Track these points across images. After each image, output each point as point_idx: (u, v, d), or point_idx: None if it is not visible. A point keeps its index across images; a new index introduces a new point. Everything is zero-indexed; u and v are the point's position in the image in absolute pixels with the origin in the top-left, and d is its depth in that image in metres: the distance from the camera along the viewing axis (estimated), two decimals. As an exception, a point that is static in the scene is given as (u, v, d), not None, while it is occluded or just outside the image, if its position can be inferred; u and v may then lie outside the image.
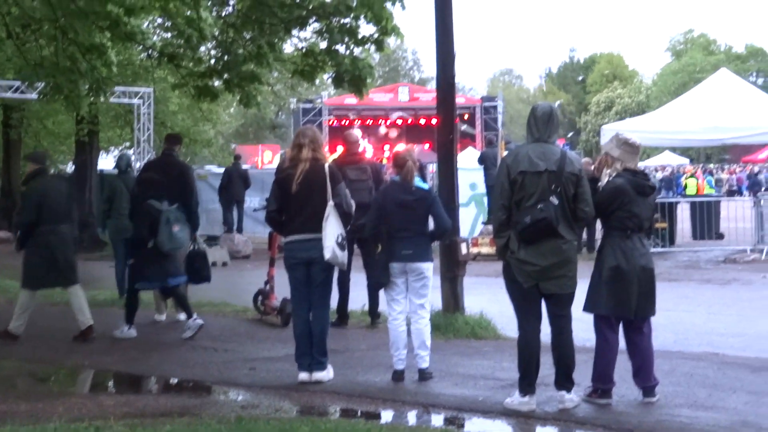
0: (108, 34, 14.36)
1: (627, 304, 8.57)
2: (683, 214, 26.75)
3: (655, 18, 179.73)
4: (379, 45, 13.66)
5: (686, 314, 14.17)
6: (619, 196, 8.63)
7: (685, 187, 47.02)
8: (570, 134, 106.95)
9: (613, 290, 8.57)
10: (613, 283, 8.55)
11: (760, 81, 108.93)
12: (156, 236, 12.66)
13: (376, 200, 10.46)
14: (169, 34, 18.25)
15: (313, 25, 14.08)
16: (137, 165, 22.55)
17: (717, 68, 40.14)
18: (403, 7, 13.05)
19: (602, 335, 8.75)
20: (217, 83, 15.71)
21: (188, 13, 14.42)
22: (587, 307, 8.77)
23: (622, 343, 8.88)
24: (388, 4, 12.99)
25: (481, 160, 25.26)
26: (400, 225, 9.86)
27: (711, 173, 61.72)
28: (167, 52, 15.71)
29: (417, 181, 10.08)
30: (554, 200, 8.20)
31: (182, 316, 13.75)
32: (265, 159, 53.51)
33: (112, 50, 15.11)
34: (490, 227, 19.74)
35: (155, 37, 22.44)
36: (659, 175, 60.98)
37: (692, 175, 53.31)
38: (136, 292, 13.32)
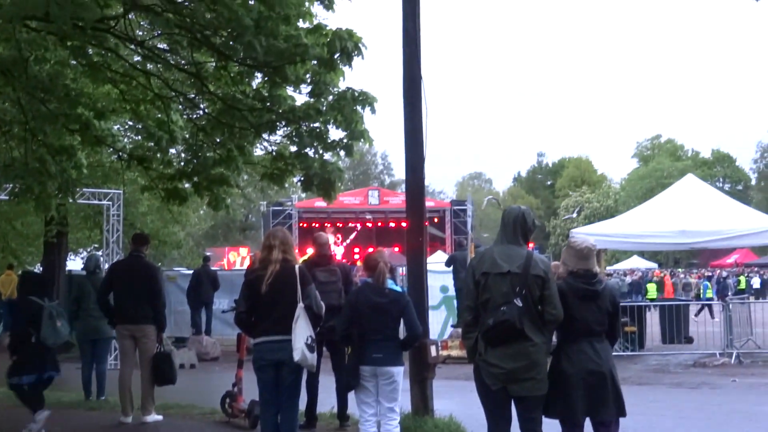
0: (78, 137, 14.41)
1: (572, 408, 8.49)
2: (652, 318, 26.83)
3: (623, 123, 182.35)
4: (349, 150, 13.73)
5: (656, 418, 14.13)
6: None
7: (646, 292, 47.20)
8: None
9: (558, 394, 8.51)
10: (558, 387, 8.48)
11: (727, 186, 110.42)
12: (39, 331, 12.71)
13: (348, 302, 10.44)
14: (139, 137, 18.34)
15: (283, 129, 14.15)
16: (106, 266, 22.45)
17: (684, 173, 40.61)
18: (373, 112, 13.16)
19: None
20: (186, 186, 15.73)
21: (159, 115, 14.52)
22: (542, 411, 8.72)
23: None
24: (358, 108, 13.09)
25: (450, 262, 25.33)
26: (372, 327, 9.83)
27: (708, 279, 61.87)
28: (137, 155, 15.77)
29: (390, 284, 10.08)
30: (518, 302, 8.18)
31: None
32: (234, 260, 53.39)
33: (82, 152, 15.15)
34: (459, 330, 19.74)
35: (125, 140, 22.53)
36: (628, 279, 61.15)
37: (650, 281, 53.73)
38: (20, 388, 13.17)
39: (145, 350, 13.91)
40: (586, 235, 22.30)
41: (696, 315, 33.77)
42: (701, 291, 52.66)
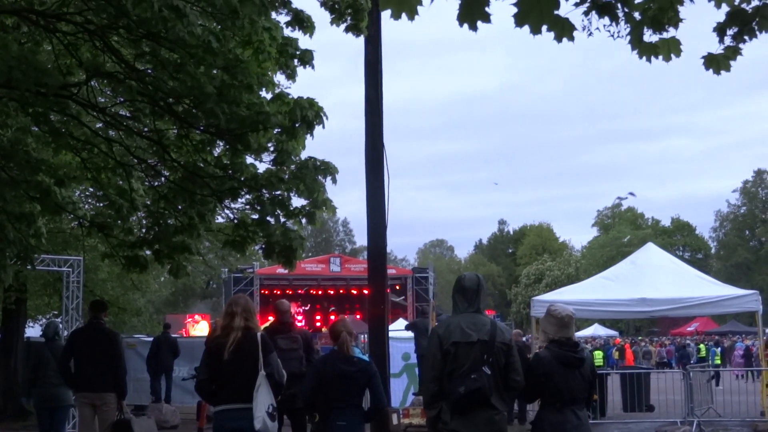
0: (38, 206, 14.37)
1: None
2: (614, 385, 26.85)
3: (584, 191, 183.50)
4: (311, 218, 13.74)
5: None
6: (539, 368, 8.61)
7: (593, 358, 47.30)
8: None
9: None
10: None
11: (687, 255, 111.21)
12: None
13: (315, 369, 10.40)
14: (100, 204, 18.27)
15: (245, 197, 14.15)
16: (65, 333, 22.26)
17: (644, 242, 40.87)
18: (334, 182, 13.21)
19: None
20: (147, 253, 15.66)
21: (120, 183, 14.49)
22: None
23: None
24: (320, 178, 13.14)
25: (411, 328, 25.23)
26: (337, 395, 9.80)
27: (717, 344, 61.83)
28: (98, 222, 15.69)
29: (356, 352, 10.07)
30: (486, 370, 8.20)
31: None
32: (195, 328, 53.06)
33: (42, 219, 15.10)
34: (420, 398, 19.66)
35: (86, 206, 22.45)
36: (589, 346, 61.27)
37: (597, 348, 53.88)
38: None
39: (104, 418, 13.75)
40: (547, 302, 22.39)
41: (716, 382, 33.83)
42: (709, 358, 52.59)
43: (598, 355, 48.10)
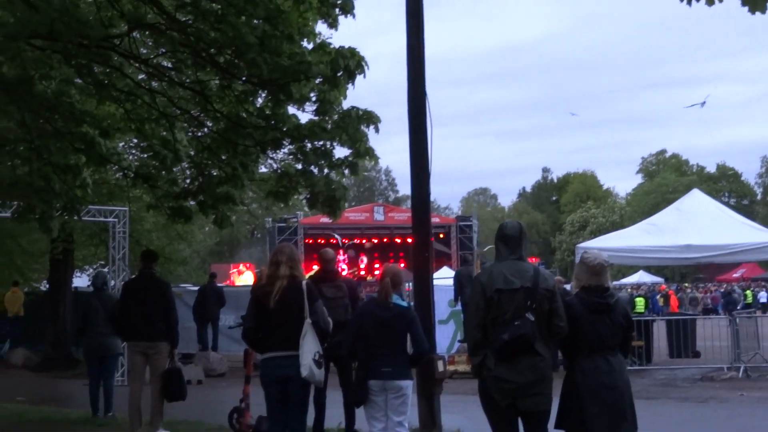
0: (83, 157, 14.45)
1: (587, 424, 8.46)
2: (660, 332, 26.75)
3: (628, 138, 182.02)
4: (354, 168, 13.73)
5: (664, 433, 14.11)
6: (567, 315, 8.59)
7: (634, 306, 46.75)
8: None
9: (572, 409, 8.47)
10: (573, 403, 8.46)
11: (732, 201, 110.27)
12: None
13: (354, 317, 10.47)
14: (144, 155, 18.36)
15: (288, 147, 14.15)
16: (112, 283, 22.48)
17: (689, 188, 40.51)
18: (377, 131, 13.18)
19: None
20: (191, 204, 15.74)
21: (164, 134, 14.54)
22: (555, 425, 8.67)
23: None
24: (363, 127, 13.11)
25: (456, 278, 25.18)
26: (378, 342, 9.84)
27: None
28: (142, 173, 15.78)
29: (395, 299, 10.07)
30: (530, 317, 8.19)
31: None
32: (239, 278, 53.35)
33: (87, 171, 15.20)
34: (466, 345, 19.68)
35: (131, 157, 22.52)
36: (630, 293, 60.94)
37: (640, 295, 53.45)
38: None
39: (156, 366, 13.93)
40: (592, 249, 22.31)
41: None
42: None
43: (640, 302, 47.63)
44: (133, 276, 18.76)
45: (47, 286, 34.38)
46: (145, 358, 14.00)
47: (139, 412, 13.94)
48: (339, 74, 12.07)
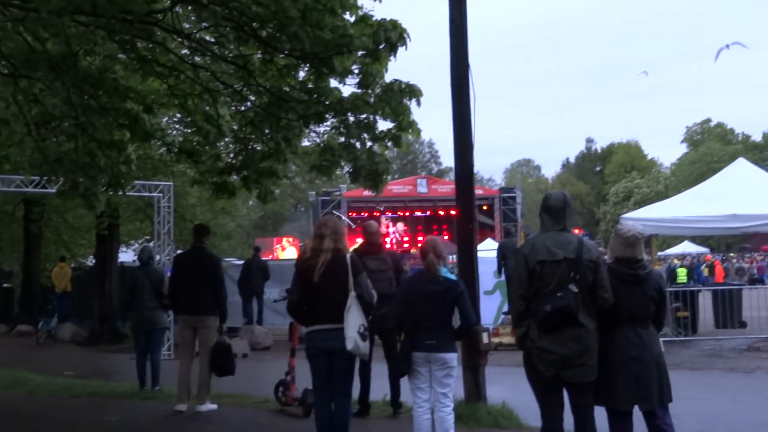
0: (127, 133, 14.53)
1: (616, 396, 8.45)
2: (705, 303, 26.60)
3: (672, 107, 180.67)
4: (397, 141, 13.70)
5: (710, 403, 14.06)
6: None
7: (675, 276, 46.37)
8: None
9: (603, 381, 8.45)
10: (603, 374, 8.43)
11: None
12: None
13: (402, 289, 10.46)
14: (188, 130, 18.43)
15: (331, 121, 14.14)
16: (158, 257, 22.64)
17: (735, 158, 40.10)
18: (419, 105, 13.12)
19: (612, 428, 8.63)
20: (235, 179, 15.78)
21: (206, 109, 14.58)
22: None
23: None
24: (405, 100, 13.06)
25: (500, 250, 25.13)
26: (425, 315, 9.84)
27: None
28: (186, 148, 15.85)
29: (443, 272, 10.06)
30: (573, 288, 8.18)
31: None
32: (282, 253, 53.60)
33: (131, 146, 15.28)
34: (510, 317, 19.69)
35: (174, 132, 22.63)
36: (677, 263, 60.66)
37: (682, 266, 53.12)
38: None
39: (205, 340, 14.06)
40: (636, 220, 22.19)
41: None
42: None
43: (682, 272, 47.46)
44: (183, 250, 18.87)
45: (93, 261, 34.70)
46: (194, 332, 14.13)
47: (187, 385, 14.08)
48: (381, 47, 12.03)
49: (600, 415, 8.57)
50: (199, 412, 13.78)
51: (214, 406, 14.05)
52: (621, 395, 8.41)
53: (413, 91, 12.89)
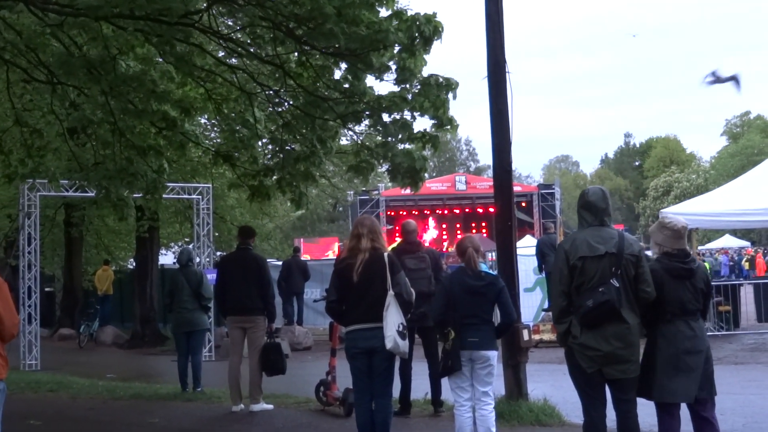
0: (161, 140, 14.58)
1: (670, 389, 8.39)
2: (747, 297, 26.39)
3: (711, 100, 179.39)
4: (434, 141, 13.63)
5: (755, 398, 13.93)
6: None
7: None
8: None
9: (654, 375, 8.41)
10: (654, 368, 8.38)
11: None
12: None
13: (443, 286, 10.40)
14: (224, 133, 18.46)
15: (368, 120, 14.10)
16: (197, 259, 22.73)
17: (776, 150, 39.76)
18: (455, 97, 13.05)
19: (661, 422, 8.58)
20: (272, 179, 15.78)
21: (242, 112, 14.59)
22: (638, 393, 8.59)
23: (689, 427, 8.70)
24: (443, 94, 13.00)
25: (539, 247, 25.00)
26: (467, 312, 9.79)
27: None
28: (222, 152, 15.89)
29: (483, 268, 10.03)
30: (615, 283, 8.11)
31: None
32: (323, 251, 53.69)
33: (169, 151, 15.31)
34: (550, 314, 19.61)
35: (211, 134, 22.70)
36: (721, 258, 60.22)
37: (743, 259, 52.65)
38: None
39: (253, 340, 14.16)
40: (676, 214, 22.03)
41: None
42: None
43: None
44: (225, 252, 18.93)
45: (134, 264, 34.91)
46: (243, 333, 14.24)
47: (238, 385, 14.15)
48: (415, 41, 11.98)
49: (641, 410, 8.51)
50: (253, 412, 13.84)
51: (269, 406, 14.12)
52: (678, 389, 8.33)
53: (449, 84, 12.81)
